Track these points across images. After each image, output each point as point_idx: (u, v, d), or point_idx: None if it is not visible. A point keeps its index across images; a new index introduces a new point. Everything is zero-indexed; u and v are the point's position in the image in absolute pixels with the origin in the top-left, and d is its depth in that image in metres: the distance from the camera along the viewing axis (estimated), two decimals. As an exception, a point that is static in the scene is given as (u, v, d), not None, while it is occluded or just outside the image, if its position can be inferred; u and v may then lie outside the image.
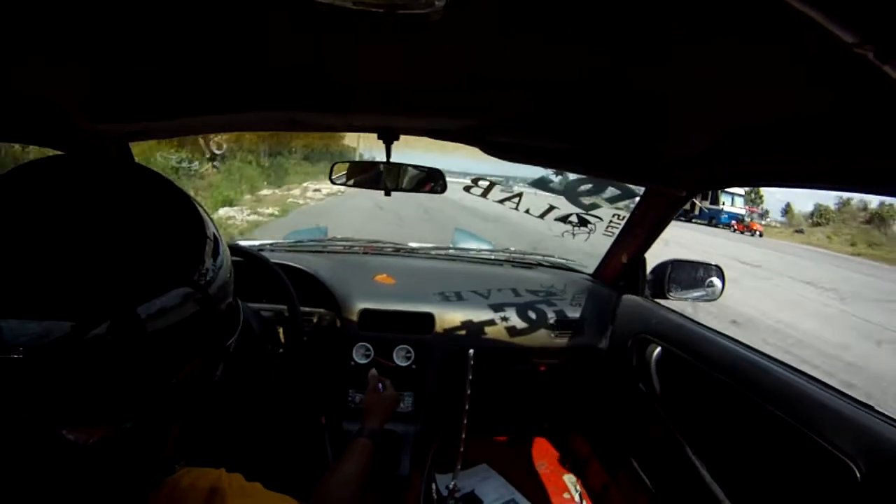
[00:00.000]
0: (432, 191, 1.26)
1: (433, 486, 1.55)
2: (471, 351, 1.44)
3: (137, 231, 0.38)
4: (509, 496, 1.64)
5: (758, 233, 19.67)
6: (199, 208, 0.44)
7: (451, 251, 1.91)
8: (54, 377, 0.35)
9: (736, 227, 20.18)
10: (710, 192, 18.94)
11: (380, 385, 1.14)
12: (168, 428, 0.46)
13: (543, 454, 1.85)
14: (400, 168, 1.22)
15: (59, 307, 0.34)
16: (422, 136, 1.08)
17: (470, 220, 9.78)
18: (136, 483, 0.41)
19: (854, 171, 0.72)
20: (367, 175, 1.28)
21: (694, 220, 21.20)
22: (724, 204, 20.95)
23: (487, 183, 1.48)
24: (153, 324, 0.37)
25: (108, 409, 0.38)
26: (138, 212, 0.40)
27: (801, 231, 24.22)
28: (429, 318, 1.49)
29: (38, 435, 0.37)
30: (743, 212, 21.29)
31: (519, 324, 1.53)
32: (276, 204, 10.24)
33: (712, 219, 20.96)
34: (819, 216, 27.02)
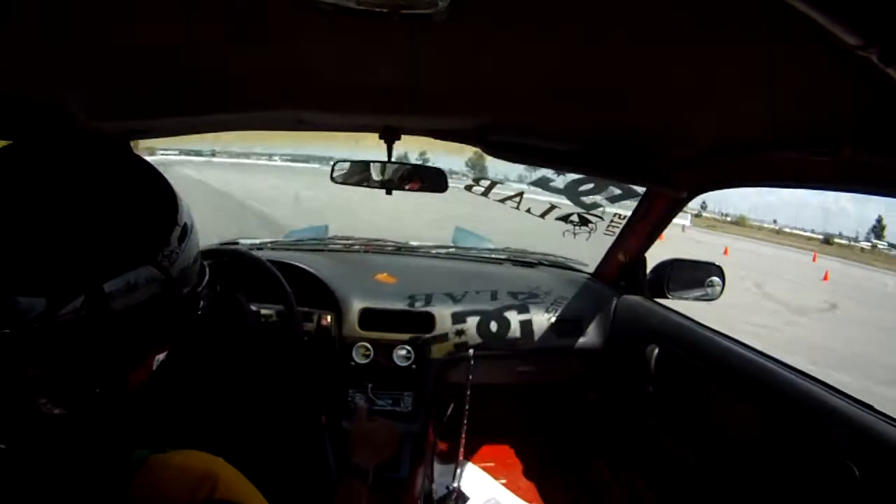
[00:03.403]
0: (433, 190, 1.26)
1: (433, 486, 1.55)
2: (471, 351, 1.44)
3: (106, 210, 0.40)
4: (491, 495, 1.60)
5: None
6: (176, 197, 0.46)
7: (452, 250, 1.91)
8: (34, 351, 0.37)
9: None
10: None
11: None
12: (145, 407, 0.47)
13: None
14: (401, 167, 1.22)
15: (30, 285, 0.36)
16: (424, 136, 1.09)
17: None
18: (113, 457, 0.41)
19: (855, 171, 0.72)
20: (368, 174, 1.28)
21: None
22: None
23: (488, 182, 1.48)
24: (118, 301, 0.39)
25: (80, 383, 0.41)
26: (110, 192, 0.41)
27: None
28: (429, 318, 1.49)
29: (15, 407, 0.39)
30: None
31: (518, 323, 1.53)
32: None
33: None
34: None
